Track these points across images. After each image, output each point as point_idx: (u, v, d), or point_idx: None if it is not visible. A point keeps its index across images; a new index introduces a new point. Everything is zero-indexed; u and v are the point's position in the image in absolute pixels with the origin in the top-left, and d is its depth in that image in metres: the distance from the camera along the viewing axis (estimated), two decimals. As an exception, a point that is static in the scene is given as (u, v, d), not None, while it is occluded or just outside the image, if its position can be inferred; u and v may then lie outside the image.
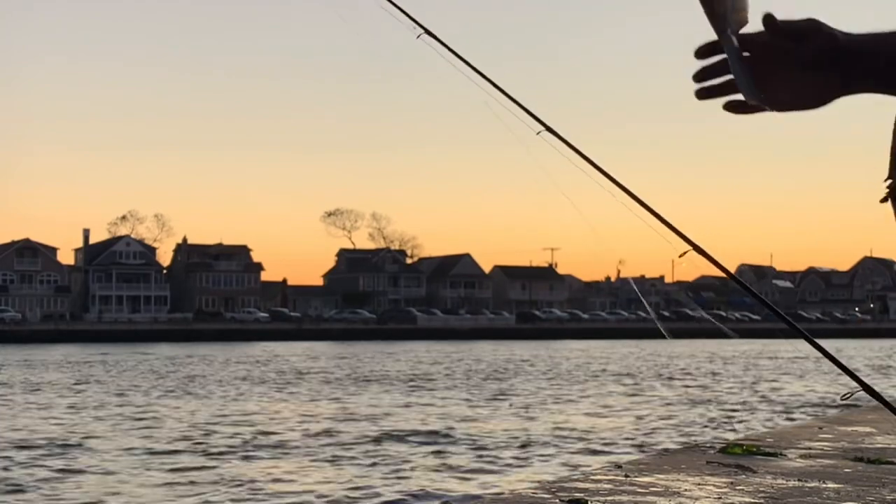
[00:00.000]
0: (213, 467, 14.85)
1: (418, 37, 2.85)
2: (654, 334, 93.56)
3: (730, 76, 1.54)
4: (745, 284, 2.25)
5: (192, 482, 13.61)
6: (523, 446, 17.10)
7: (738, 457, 4.39)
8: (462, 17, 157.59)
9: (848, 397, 1.91)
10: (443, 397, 28.07)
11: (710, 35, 1.68)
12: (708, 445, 4.74)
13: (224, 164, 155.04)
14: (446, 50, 2.75)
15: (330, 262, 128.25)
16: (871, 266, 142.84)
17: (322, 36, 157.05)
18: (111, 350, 62.13)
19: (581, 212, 2.32)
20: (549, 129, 2.41)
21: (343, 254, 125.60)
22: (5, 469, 14.65)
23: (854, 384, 1.90)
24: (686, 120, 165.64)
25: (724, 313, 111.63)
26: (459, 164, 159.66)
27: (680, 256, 1.95)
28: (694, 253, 1.99)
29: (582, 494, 3.32)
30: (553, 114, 2.68)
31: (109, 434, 19.24)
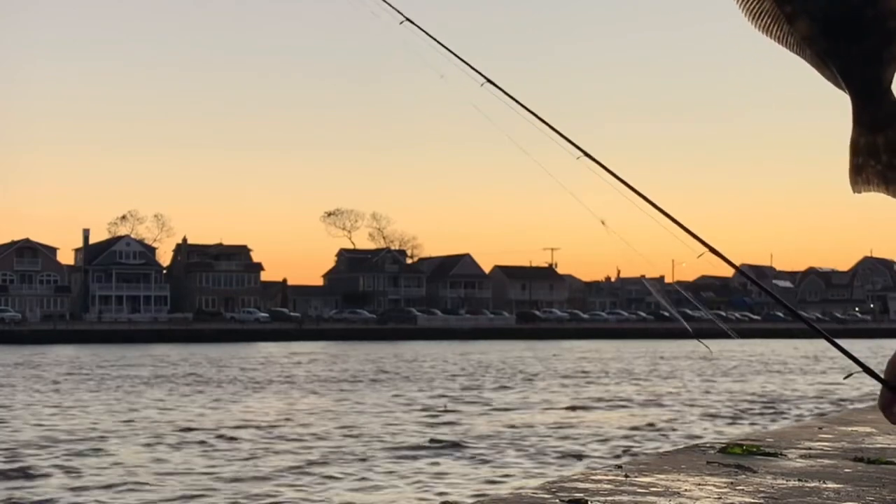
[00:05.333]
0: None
1: (401, 23, 2.91)
2: (653, 334, 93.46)
3: None
4: (764, 287, 2.29)
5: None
6: (523, 446, 17.10)
7: (738, 457, 4.38)
8: (465, 15, 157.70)
9: (849, 377, 1.99)
10: (439, 397, 28.07)
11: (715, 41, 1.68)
12: (708, 445, 4.74)
13: (224, 164, 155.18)
14: (432, 40, 2.81)
15: (330, 262, 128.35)
16: (871, 266, 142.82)
17: (323, 36, 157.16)
18: (107, 351, 62.13)
19: (586, 205, 2.36)
20: (587, 155, 2.45)
21: (343, 254, 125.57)
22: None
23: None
24: (686, 120, 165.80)
25: (724, 313, 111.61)
26: (459, 164, 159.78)
27: (698, 257, 2.06)
28: (709, 254, 2.07)
29: (582, 494, 3.31)
30: (556, 115, 2.69)
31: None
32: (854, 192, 1.53)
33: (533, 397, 28.13)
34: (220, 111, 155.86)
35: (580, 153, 2.41)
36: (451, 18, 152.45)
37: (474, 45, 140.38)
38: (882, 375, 1.71)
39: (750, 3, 1.52)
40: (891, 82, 1.45)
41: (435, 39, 2.74)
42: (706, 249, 2.09)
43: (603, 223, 2.23)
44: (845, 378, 2.07)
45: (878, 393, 1.71)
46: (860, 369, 2.00)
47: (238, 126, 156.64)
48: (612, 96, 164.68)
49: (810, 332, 2.38)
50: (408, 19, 2.87)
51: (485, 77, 2.75)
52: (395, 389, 31.09)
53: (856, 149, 1.51)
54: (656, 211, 2.19)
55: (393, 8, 2.89)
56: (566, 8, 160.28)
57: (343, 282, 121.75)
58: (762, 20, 1.52)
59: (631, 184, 2.28)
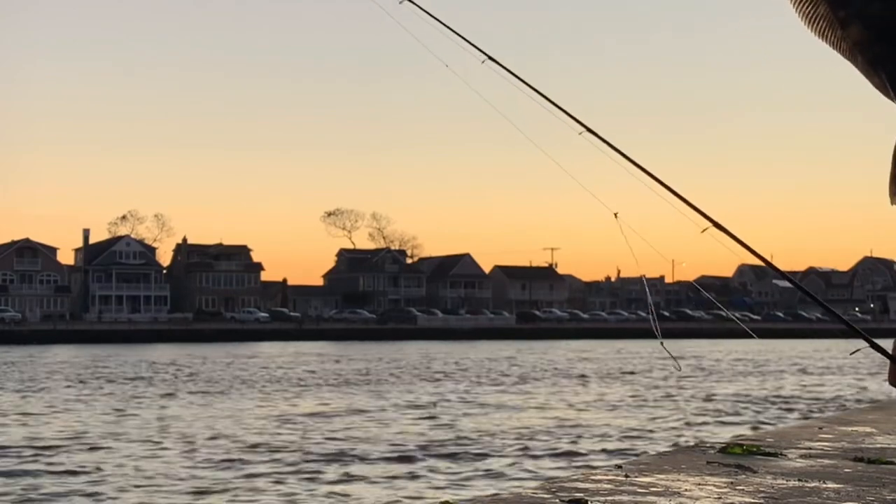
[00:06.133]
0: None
1: (400, 2, 2.91)
2: (653, 334, 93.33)
3: None
4: (771, 263, 2.30)
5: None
6: (523, 446, 17.10)
7: (738, 457, 4.38)
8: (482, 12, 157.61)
9: (855, 352, 2.02)
10: (440, 398, 28.07)
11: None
12: (708, 445, 4.74)
13: (224, 164, 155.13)
14: (432, 19, 2.81)
15: (330, 262, 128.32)
16: (871, 266, 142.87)
17: (322, 36, 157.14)
18: (107, 351, 62.13)
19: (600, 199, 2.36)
20: (588, 129, 2.45)
21: (343, 254, 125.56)
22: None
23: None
24: (686, 121, 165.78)
25: (724, 313, 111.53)
26: (459, 163, 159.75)
27: (702, 232, 2.06)
28: (714, 230, 2.07)
29: (582, 494, 3.31)
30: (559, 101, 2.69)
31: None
32: (893, 203, 1.51)
33: (533, 397, 28.13)
34: (220, 111, 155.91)
35: (582, 128, 2.40)
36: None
37: (475, 26, 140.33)
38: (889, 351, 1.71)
39: (805, 7, 1.52)
40: None
41: (435, 18, 2.73)
42: (710, 224, 2.09)
43: (615, 216, 2.22)
44: (852, 353, 2.09)
45: (880, 382, 1.71)
46: (867, 345, 2.01)
47: (238, 126, 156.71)
48: (613, 95, 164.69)
49: (810, 332, 2.39)
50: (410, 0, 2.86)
51: (486, 54, 2.74)
52: (394, 390, 31.09)
53: None
54: (660, 186, 2.18)
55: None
56: (575, 6, 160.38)
57: (343, 282, 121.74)
58: (818, 24, 1.52)
59: (634, 159, 2.27)
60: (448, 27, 2.73)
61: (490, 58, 2.75)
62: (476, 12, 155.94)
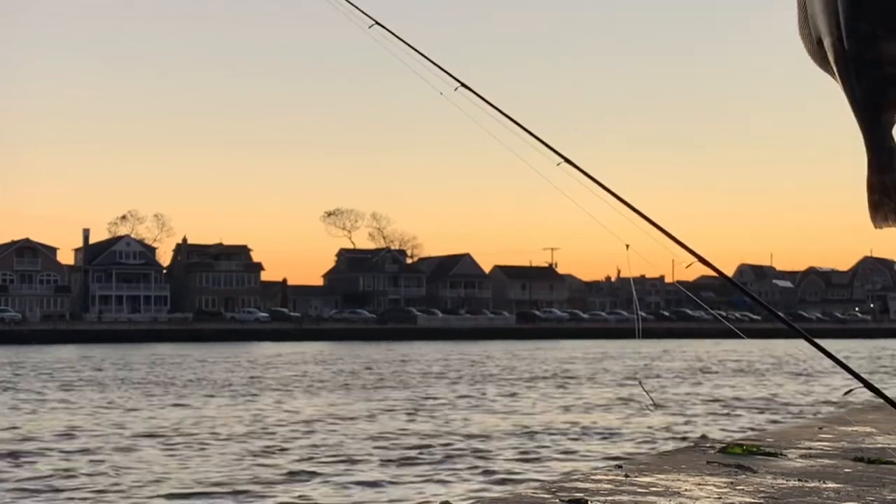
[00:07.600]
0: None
1: (370, 27, 2.87)
2: (653, 334, 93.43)
3: None
4: (744, 288, 2.31)
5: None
6: (523, 446, 17.09)
7: (738, 457, 4.38)
8: (441, 19, 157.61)
9: (848, 393, 2.01)
10: (439, 398, 28.06)
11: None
12: (708, 445, 4.74)
13: (224, 164, 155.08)
14: (403, 44, 2.79)
15: (330, 262, 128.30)
16: (871, 266, 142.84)
17: (323, 37, 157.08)
18: (107, 351, 62.12)
19: (586, 210, 2.37)
20: (567, 161, 2.45)
21: (343, 254, 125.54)
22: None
23: (855, 381, 1.95)
24: (686, 120, 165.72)
25: (724, 313, 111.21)
26: (460, 163, 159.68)
27: (686, 267, 2.08)
28: (698, 262, 2.10)
29: (582, 494, 3.31)
30: (552, 121, 2.69)
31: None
32: (875, 227, 1.57)
33: (532, 397, 28.12)
34: (220, 111, 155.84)
35: (560, 159, 2.41)
36: (426, 22, 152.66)
37: (449, 50, 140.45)
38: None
39: (806, 43, 1.58)
40: (891, 127, 1.50)
41: (406, 43, 2.71)
42: (695, 259, 2.12)
43: (627, 247, 2.23)
44: (845, 394, 2.09)
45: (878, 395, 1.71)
46: (861, 385, 2.01)
47: (238, 126, 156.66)
48: (614, 97, 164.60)
49: (811, 333, 2.39)
50: (377, 23, 2.82)
51: (459, 81, 2.72)
52: (393, 390, 31.09)
53: (870, 187, 1.55)
54: (643, 219, 2.20)
55: (362, 12, 2.84)
56: (542, 13, 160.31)
57: (343, 282, 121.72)
58: (816, 59, 1.58)
59: (614, 190, 2.29)
60: (419, 52, 2.69)
61: (463, 84, 2.73)
62: (449, 39, 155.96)
